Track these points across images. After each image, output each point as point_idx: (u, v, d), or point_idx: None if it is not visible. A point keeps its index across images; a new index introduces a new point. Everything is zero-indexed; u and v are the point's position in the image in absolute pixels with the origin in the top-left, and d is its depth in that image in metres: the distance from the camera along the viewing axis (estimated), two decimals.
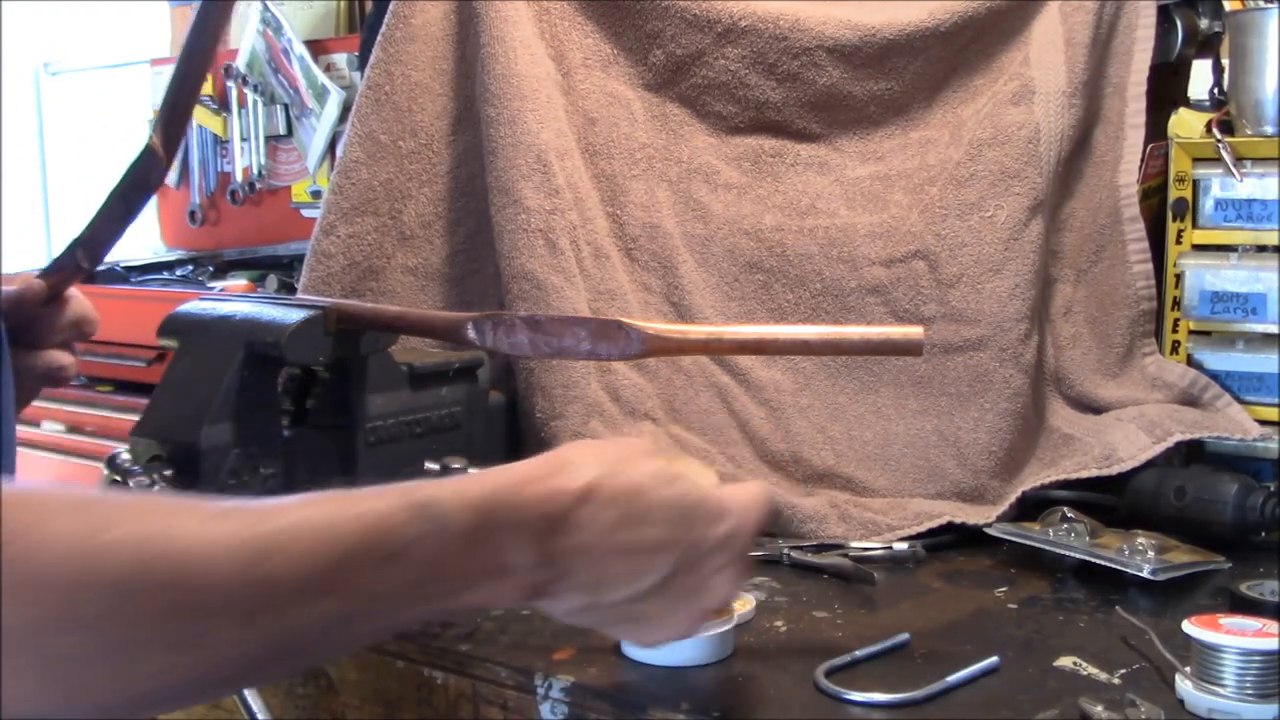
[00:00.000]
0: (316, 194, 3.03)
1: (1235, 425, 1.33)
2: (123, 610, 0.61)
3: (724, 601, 0.84)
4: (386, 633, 0.78)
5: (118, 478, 1.03)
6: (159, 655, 0.63)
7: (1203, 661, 0.87)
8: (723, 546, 0.79)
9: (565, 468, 0.76)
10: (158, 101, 3.72)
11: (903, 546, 1.22)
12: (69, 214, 4.04)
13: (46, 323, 1.10)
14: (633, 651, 0.97)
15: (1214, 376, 1.37)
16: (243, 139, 3.21)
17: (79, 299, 1.13)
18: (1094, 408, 1.41)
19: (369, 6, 2.91)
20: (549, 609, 0.79)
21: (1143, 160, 1.43)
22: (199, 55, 0.99)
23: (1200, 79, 1.56)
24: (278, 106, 3.12)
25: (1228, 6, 1.45)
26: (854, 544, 1.23)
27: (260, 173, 3.20)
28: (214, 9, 0.95)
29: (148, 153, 1.02)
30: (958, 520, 1.27)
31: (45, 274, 1.09)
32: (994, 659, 0.95)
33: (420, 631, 1.03)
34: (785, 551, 1.21)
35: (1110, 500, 1.28)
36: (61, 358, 1.12)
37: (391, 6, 1.40)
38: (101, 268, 2.87)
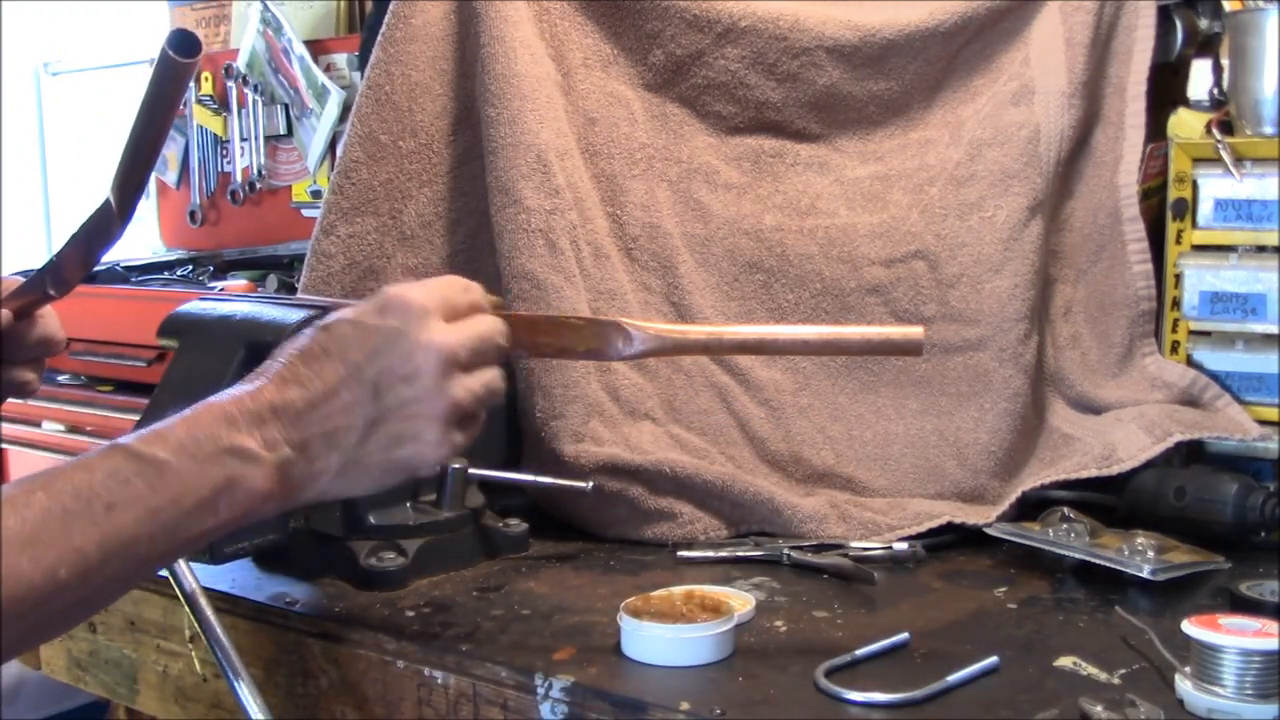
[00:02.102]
0: (316, 194, 3.03)
1: (1235, 425, 1.33)
2: None
3: (456, 402, 0.87)
4: (153, 569, 0.85)
5: None
6: None
7: (1202, 661, 0.87)
8: (410, 379, 0.86)
9: (258, 373, 0.86)
10: None
11: (903, 546, 1.22)
12: (69, 214, 4.04)
13: (14, 341, 1.13)
14: (633, 651, 0.97)
15: (1214, 376, 1.37)
16: (243, 139, 3.21)
17: (48, 318, 1.16)
18: (1094, 408, 1.41)
19: (369, 6, 2.91)
20: (320, 492, 0.86)
21: (1143, 160, 1.43)
22: (156, 119, 0.99)
23: (1200, 79, 1.56)
24: (278, 106, 3.12)
25: (1228, 6, 1.45)
26: (854, 544, 1.23)
27: (260, 173, 3.20)
28: (169, 76, 0.94)
29: (105, 207, 1.03)
30: (958, 520, 1.27)
31: (13, 297, 1.12)
32: (994, 659, 0.95)
33: (421, 631, 1.04)
34: (785, 551, 1.21)
35: (1110, 500, 1.28)
36: (26, 374, 1.16)
37: (391, 6, 1.40)
38: (101, 268, 2.88)
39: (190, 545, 0.84)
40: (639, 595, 1.03)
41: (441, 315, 0.88)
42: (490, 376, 0.90)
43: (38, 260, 3.72)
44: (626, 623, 0.98)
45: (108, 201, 1.02)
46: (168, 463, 0.81)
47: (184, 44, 0.92)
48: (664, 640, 0.96)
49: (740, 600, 1.07)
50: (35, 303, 1.13)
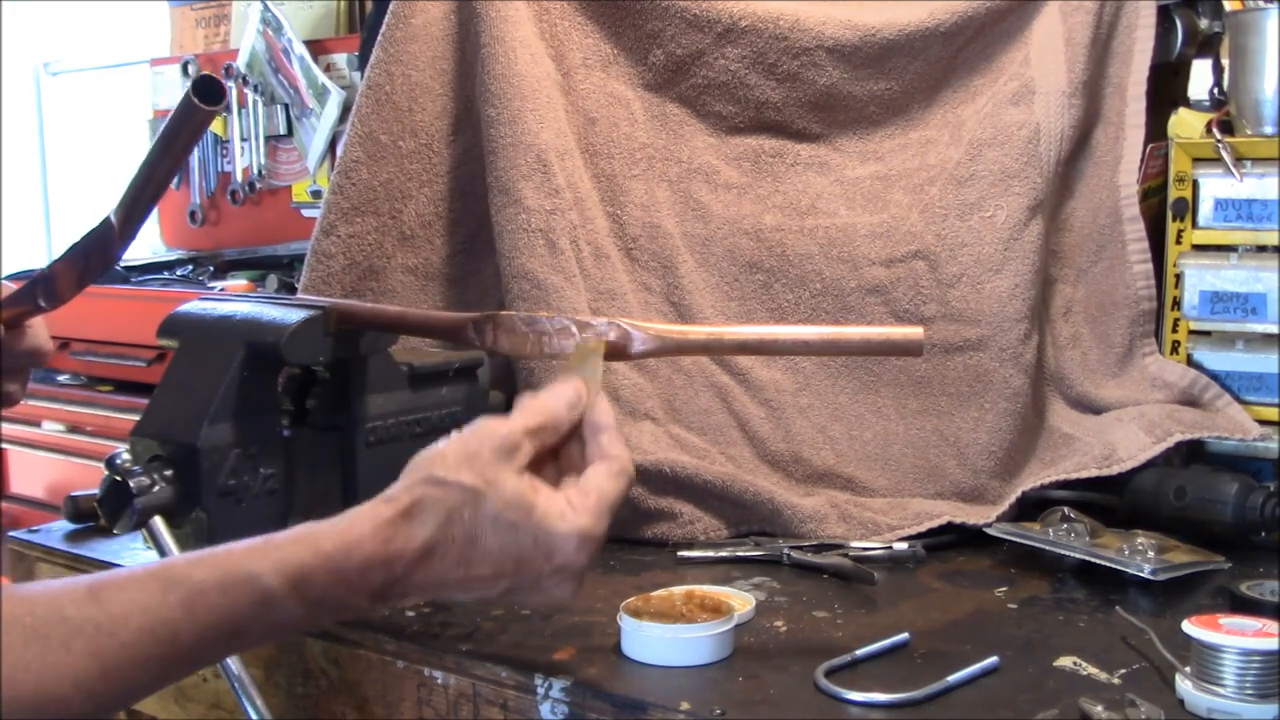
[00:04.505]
0: (316, 194, 3.03)
1: (1235, 425, 1.33)
2: None
3: (559, 602, 0.89)
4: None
5: (118, 478, 1.03)
6: None
7: (1203, 661, 0.87)
8: (555, 574, 0.85)
9: (405, 522, 0.82)
10: (158, 101, 3.73)
11: (903, 546, 1.22)
12: (69, 214, 4.04)
13: (2, 351, 1.12)
14: (633, 651, 0.97)
15: (1214, 376, 1.37)
16: (243, 139, 3.21)
17: (36, 330, 1.15)
18: (1094, 408, 1.41)
19: (369, 6, 2.91)
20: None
21: (1143, 160, 1.43)
22: (170, 157, 0.99)
23: (1200, 79, 1.56)
24: (278, 106, 3.12)
25: (1228, 6, 1.44)
26: (854, 544, 1.23)
27: (260, 173, 3.20)
28: (190, 120, 0.95)
29: (106, 226, 1.02)
30: (958, 520, 1.27)
31: (3, 306, 1.11)
32: (994, 659, 0.95)
33: (421, 631, 1.04)
34: (785, 551, 1.21)
35: (1110, 500, 1.28)
36: (9, 385, 1.16)
37: (391, 6, 1.40)
38: None
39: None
40: (639, 595, 1.02)
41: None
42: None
43: (36, 260, 3.71)
44: (626, 623, 0.98)
45: (109, 220, 1.02)
46: (294, 614, 0.81)
47: (209, 91, 0.93)
48: (664, 640, 0.96)
49: (740, 600, 1.07)
50: (25, 314, 1.13)
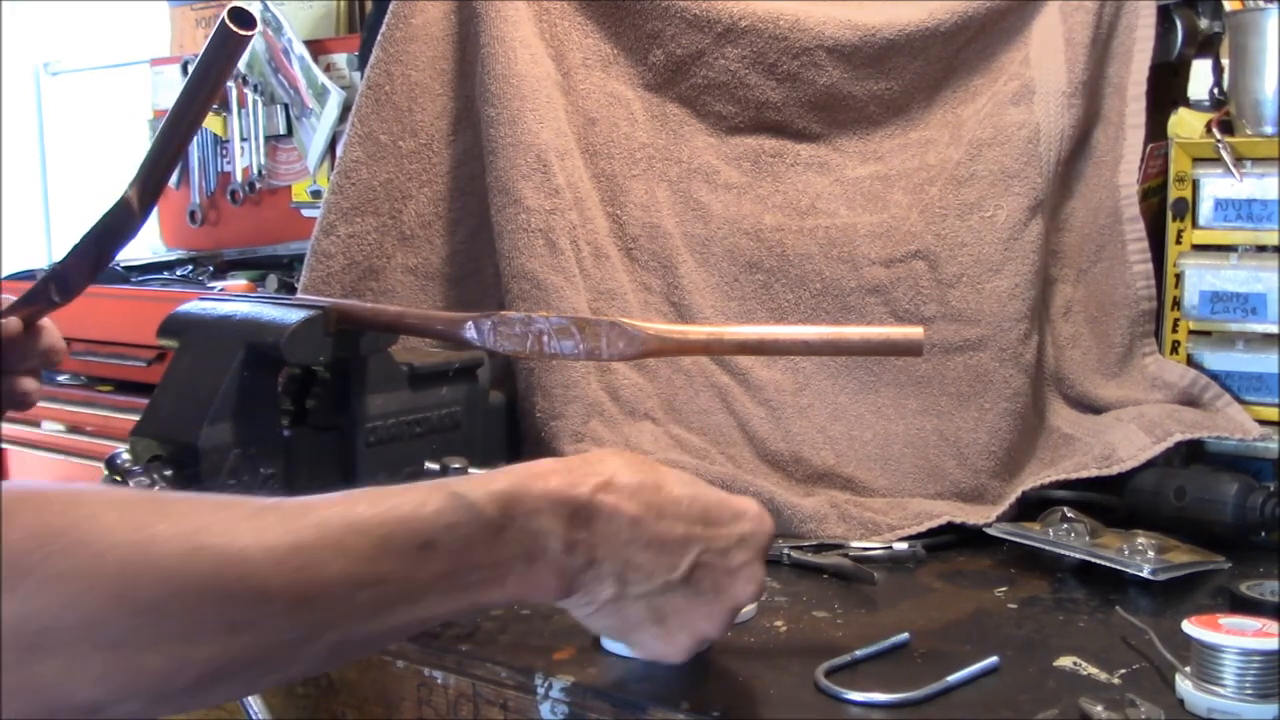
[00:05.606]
0: (316, 194, 3.03)
1: (1235, 425, 1.33)
2: (173, 596, 0.66)
3: (746, 600, 0.86)
4: (424, 625, 0.78)
5: (118, 478, 1.03)
6: (211, 640, 0.67)
7: (1203, 661, 0.87)
8: (742, 544, 0.84)
9: (586, 463, 0.81)
10: (158, 101, 3.73)
11: (903, 546, 1.22)
12: (69, 214, 4.04)
13: (17, 351, 1.12)
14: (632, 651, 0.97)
15: (1214, 376, 1.37)
16: (243, 139, 3.21)
17: (49, 329, 1.16)
18: (1094, 408, 1.41)
19: (369, 6, 2.91)
20: (577, 606, 0.82)
21: (1143, 160, 1.43)
22: (187, 118, 0.99)
23: (1200, 79, 1.56)
24: (278, 106, 3.12)
25: (1228, 6, 1.44)
26: (854, 544, 1.23)
27: (260, 173, 3.20)
28: (223, 49, 0.94)
29: (123, 204, 1.02)
30: (958, 520, 1.27)
31: (18, 305, 1.11)
32: (994, 659, 0.95)
33: (420, 631, 1.03)
34: (785, 551, 1.21)
35: (1110, 500, 1.28)
36: (27, 384, 1.16)
37: (391, 6, 1.40)
38: None
39: (443, 618, 0.78)
40: None
41: None
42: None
43: (36, 260, 3.71)
44: None
45: (124, 200, 1.02)
46: (484, 531, 0.76)
47: (243, 18, 0.94)
48: None
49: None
50: (39, 312, 1.13)
